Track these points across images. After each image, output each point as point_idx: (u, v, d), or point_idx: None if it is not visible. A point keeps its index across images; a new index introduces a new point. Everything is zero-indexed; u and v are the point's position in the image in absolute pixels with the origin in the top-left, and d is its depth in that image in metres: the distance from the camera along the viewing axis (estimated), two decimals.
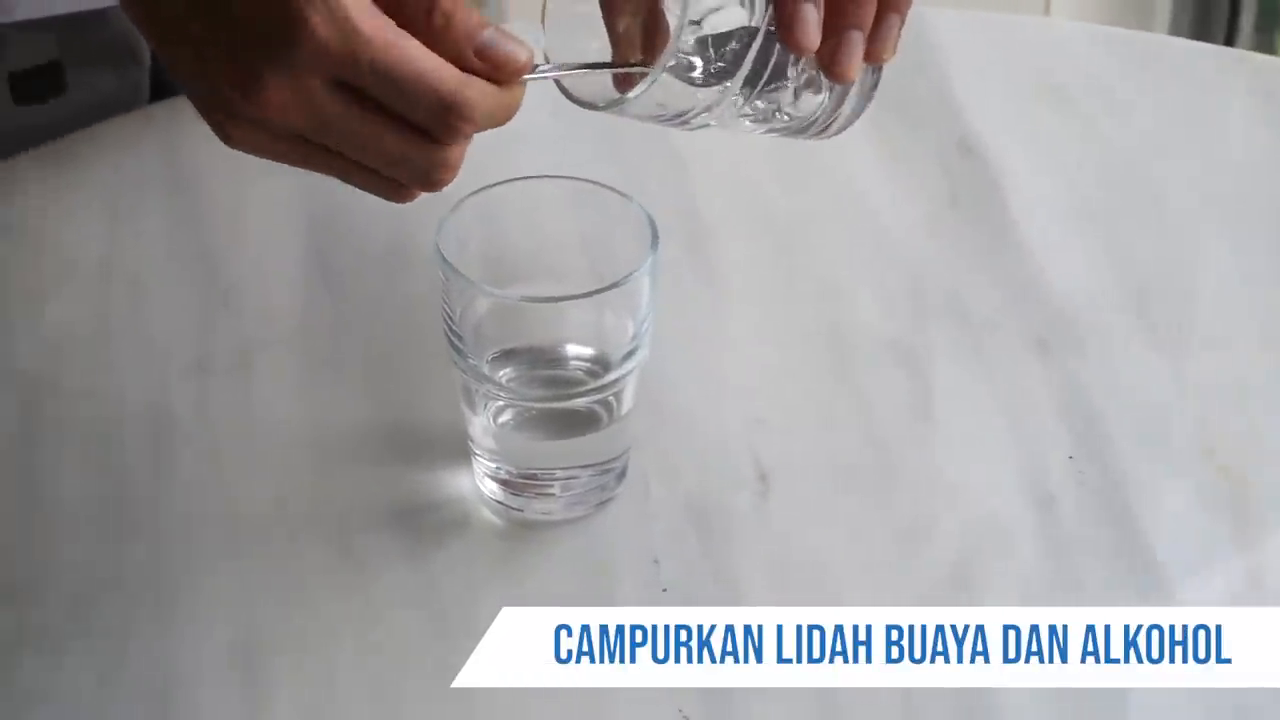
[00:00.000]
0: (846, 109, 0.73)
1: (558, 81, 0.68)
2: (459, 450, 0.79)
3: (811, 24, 0.68)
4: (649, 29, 0.73)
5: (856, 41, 0.70)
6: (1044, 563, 0.76)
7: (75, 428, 0.81)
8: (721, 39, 0.69)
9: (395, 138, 0.64)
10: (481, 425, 0.76)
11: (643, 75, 0.66)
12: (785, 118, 0.71)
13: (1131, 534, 0.77)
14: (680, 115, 0.69)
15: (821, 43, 0.69)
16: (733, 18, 0.69)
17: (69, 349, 0.85)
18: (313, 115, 0.63)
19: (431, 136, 0.64)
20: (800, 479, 0.79)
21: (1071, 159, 0.97)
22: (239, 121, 0.64)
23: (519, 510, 0.77)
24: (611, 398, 0.75)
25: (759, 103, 0.70)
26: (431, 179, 0.66)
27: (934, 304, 0.88)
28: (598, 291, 0.72)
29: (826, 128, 0.73)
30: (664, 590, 0.75)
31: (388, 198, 0.67)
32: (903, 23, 0.71)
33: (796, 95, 0.71)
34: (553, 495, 0.77)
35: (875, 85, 0.74)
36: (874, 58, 0.71)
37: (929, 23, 1.02)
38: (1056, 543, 0.77)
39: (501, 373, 0.75)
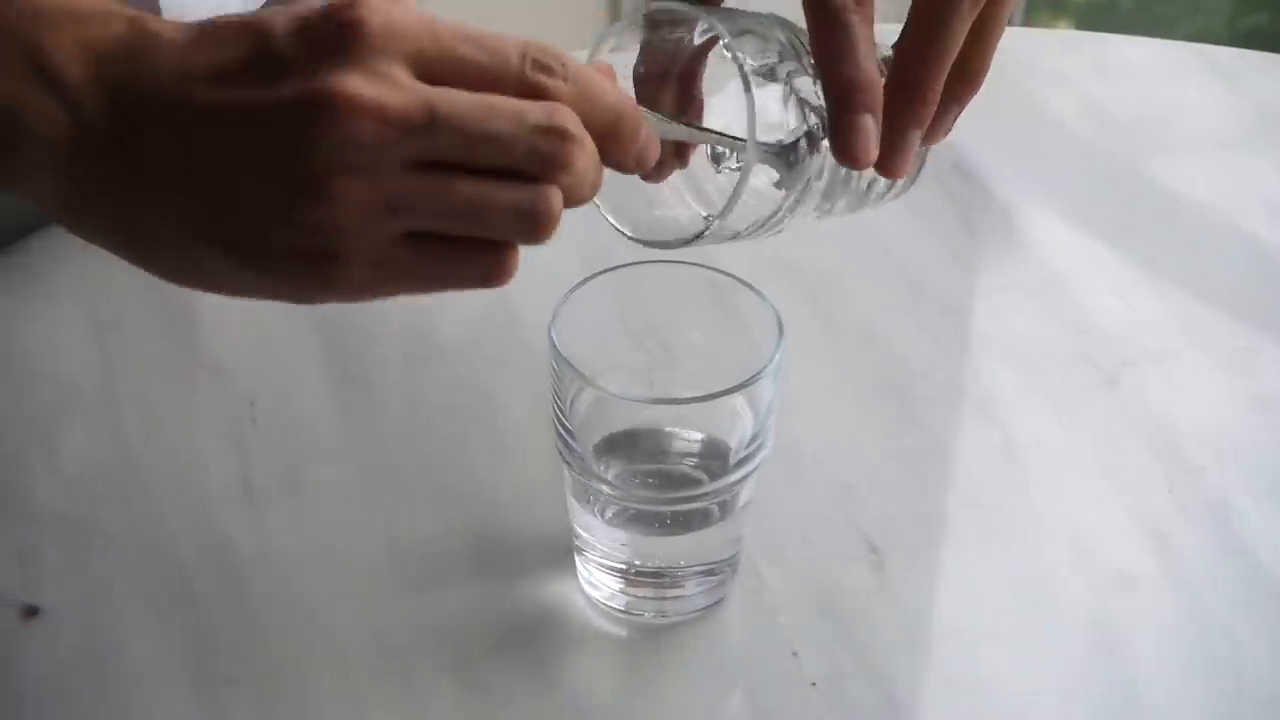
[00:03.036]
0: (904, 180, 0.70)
1: (617, 226, 0.64)
2: (552, 551, 0.75)
3: (869, 138, 0.62)
4: (681, 104, 0.69)
5: (914, 140, 0.65)
6: (1180, 607, 0.74)
7: (132, 576, 0.74)
8: (780, 152, 0.65)
9: (493, 186, 0.56)
10: (594, 522, 0.72)
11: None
12: (844, 204, 0.68)
13: (1255, 565, 0.76)
14: (759, 227, 0.65)
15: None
16: (772, 114, 0.65)
17: (99, 486, 0.78)
18: (395, 199, 0.55)
19: (530, 174, 0.56)
20: (909, 544, 0.77)
21: (1062, 168, 0.96)
22: (330, 259, 0.56)
23: (638, 615, 0.73)
24: (731, 494, 0.71)
25: (828, 203, 0.67)
26: (540, 222, 0.56)
27: (984, 342, 0.86)
28: (726, 393, 0.68)
29: (881, 198, 0.71)
30: (813, 685, 0.71)
31: (488, 278, 0.58)
32: (961, 110, 0.68)
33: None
34: (674, 594, 0.73)
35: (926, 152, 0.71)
36: (927, 141, 0.67)
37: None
38: (1187, 585, 0.75)
39: (612, 468, 0.71)
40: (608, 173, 0.59)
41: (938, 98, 0.65)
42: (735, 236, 0.65)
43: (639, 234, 0.64)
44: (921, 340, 0.86)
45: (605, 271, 0.70)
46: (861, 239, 0.91)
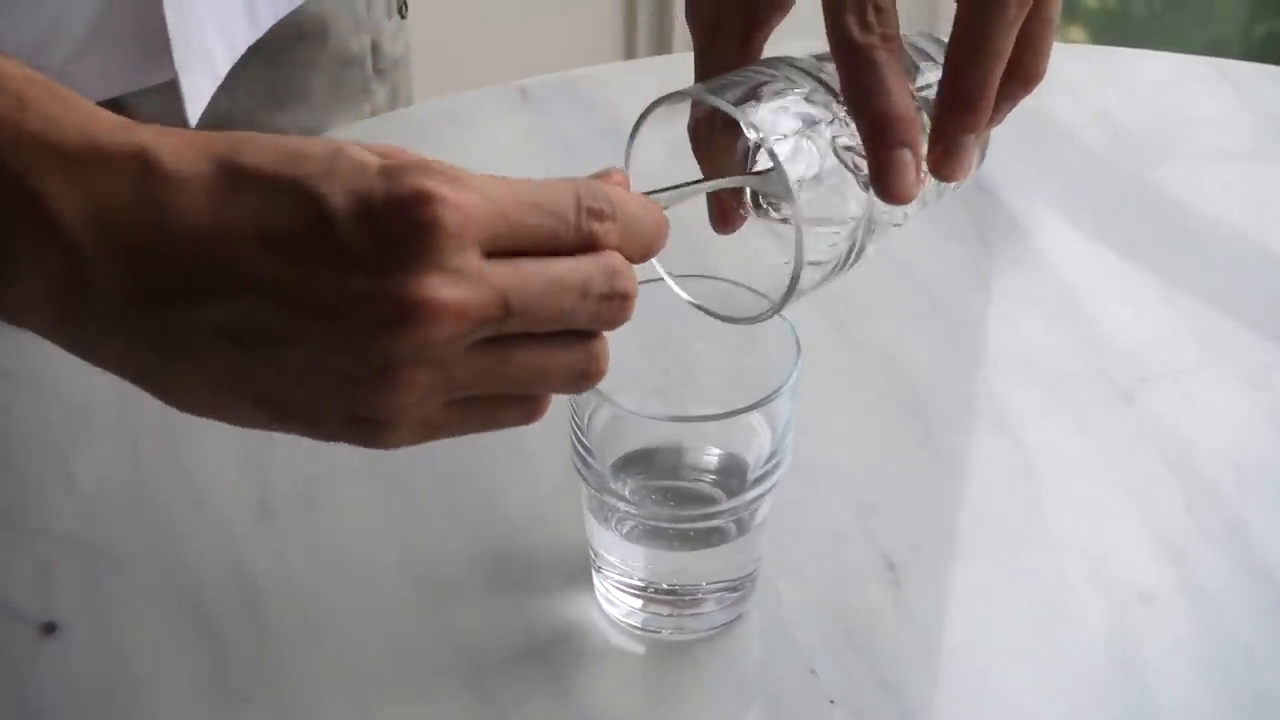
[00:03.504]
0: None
1: (701, 307, 0.64)
2: (569, 567, 0.75)
3: (909, 173, 0.60)
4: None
5: (970, 144, 0.64)
6: (1196, 624, 0.74)
7: (152, 597, 0.74)
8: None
9: (547, 351, 0.56)
10: (611, 539, 0.72)
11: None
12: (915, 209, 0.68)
13: (1272, 582, 0.76)
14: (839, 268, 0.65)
15: (930, 147, 0.64)
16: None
17: (116, 505, 0.78)
18: (457, 379, 0.55)
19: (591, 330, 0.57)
20: (927, 561, 0.77)
21: (1076, 181, 0.96)
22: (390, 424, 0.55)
23: (656, 632, 0.73)
24: (748, 512, 0.71)
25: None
26: (591, 380, 0.57)
27: (1000, 358, 0.86)
28: (743, 411, 0.68)
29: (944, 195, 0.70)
30: (831, 702, 0.71)
31: (523, 421, 0.58)
32: (1015, 106, 0.67)
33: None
34: (691, 611, 0.73)
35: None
36: (985, 129, 0.66)
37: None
38: (1204, 602, 0.75)
39: (630, 485, 0.71)
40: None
41: (990, 105, 0.63)
42: (821, 283, 0.65)
43: (723, 310, 0.64)
44: (938, 356, 0.86)
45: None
46: (877, 254, 0.90)
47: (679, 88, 0.62)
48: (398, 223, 0.52)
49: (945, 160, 0.64)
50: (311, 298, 0.52)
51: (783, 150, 0.60)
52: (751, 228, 0.68)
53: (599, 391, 0.67)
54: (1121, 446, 0.81)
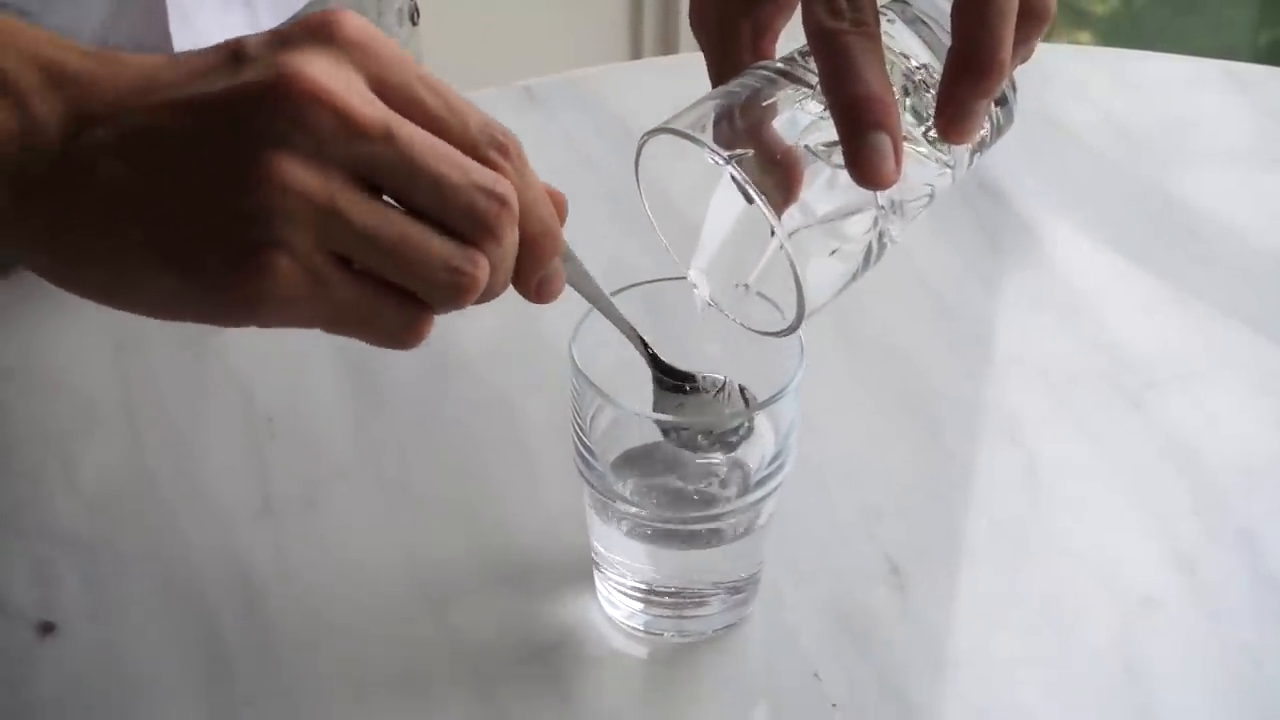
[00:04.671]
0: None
1: (733, 317, 0.65)
2: (572, 568, 0.74)
3: (884, 156, 0.59)
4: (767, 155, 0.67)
5: (983, 108, 0.62)
6: (1204, 631, 0.74)
7: (151, 593, 0.74)
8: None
9: (427, 232, 0.56)
10: (613, 540, 0.71)
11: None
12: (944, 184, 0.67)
13: None
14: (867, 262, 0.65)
15: (938, 111, 0.63)
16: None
17: (117, 503, 0.78)
18: (333, 207, 0.54)
19: (463, 234, 0.56)
20: (932, 565, 0.76)
21: (1084, 184, 0.95)
22: (261, 243, 0.54)
23: (658, 634, 0.73)
24: (752, 513, 0.71)
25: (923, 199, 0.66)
26: (464, 283, 0.56)
27: (1008, 362, 0.85)
28: (747, 412, 0.68)
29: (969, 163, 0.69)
30: (834, 706, 0.71)
31: (400, 334, 0.58)
32: (1034, 46, 0.65)
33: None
34: (694, 613, 0.73)
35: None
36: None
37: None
38: (1212, 609, 0.74)
39: (632, 486, 0.71)
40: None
41: (1005, 67, 0.61)
42: (852, 279, 0.64)
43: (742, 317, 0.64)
44: (944, 359, 0.85)
45: (627, 288, 0.69)
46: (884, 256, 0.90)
47: (660, 125, 0.62)
48: (297, 30, 0.54)
49: (955, 123, 0.62)
50: (205, 104, 0.54)
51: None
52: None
53: (601, 392, 0.67)
54: (1129, 451, 0.81)
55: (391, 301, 0.57)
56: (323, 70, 0.53)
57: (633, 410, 0.67)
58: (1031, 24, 0.62)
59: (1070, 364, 0.85)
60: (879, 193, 0.62)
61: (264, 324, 0.56)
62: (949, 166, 0.65)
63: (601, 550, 0.72)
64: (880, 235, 0.63)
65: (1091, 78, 1.03)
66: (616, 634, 0.73)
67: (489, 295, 0.58)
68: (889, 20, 0.65)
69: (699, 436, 0.68)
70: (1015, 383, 0.84)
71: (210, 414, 0.82)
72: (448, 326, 0.84)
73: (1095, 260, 0.91)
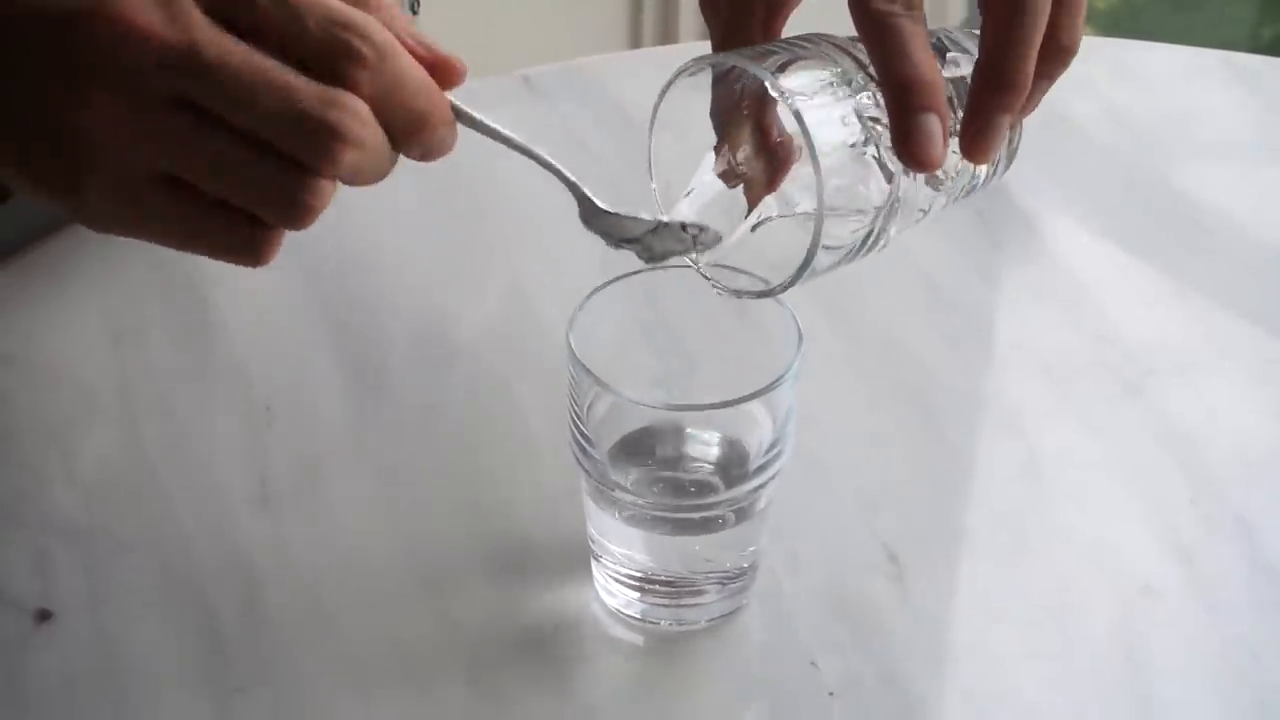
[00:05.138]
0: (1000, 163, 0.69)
1: (709, 279, 0.64)
2: (569, 557, 0.74)
3: (933, 139, 0.59)
4: (763, 147, 0.67)
5: (1004, 126, 0.63)
6: (1202, 621, 0.74)
7: (148, 581, 0.74)
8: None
9: (251, 152, 0.55)
10: (611, 528, 0.71)
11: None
12: (942, 203, 0.67)
13: (1278, 578, 0.75)
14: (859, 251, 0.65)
15: (963, 127, 0.63)
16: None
17: (115, 492, 0.77)
18: (149, 130, 0.55)
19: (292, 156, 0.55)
20: (930, 554, 0.76)
21: (1084, 175, 0.95)
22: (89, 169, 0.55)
23: (655, 622, 0.73)
24: (749, 501, 0.71)
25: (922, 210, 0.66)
26: (293, 208, 0.55)
27: (1006, 351, 0.85)
28: (744, 399, 0.67)
29: (976, 189, 0.69)
30: (831, 694, 0.70)
31: (240, 252, 0.57)
32: (1052, 85, 0.66)
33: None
34: (691, 601, 0.72)
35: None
36: (1020, 116, 0.66)
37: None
38: (1210, 598, 0.74)
39: (629, 474, 0.70)
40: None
41: (1029, 81, 0.62)
42: (835, 266, 0.64)
43: (732, 287, 0.63)
44: (943, 348, 0.85)
45: (624, 276, 0.69)
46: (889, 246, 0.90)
47: (708, 55, 0.62)
48: None
49: (978, 140, 0.62)
50: (33, 21, 0.55)
51: (811, 118, 0.59)
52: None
53: (598, 380, 0.67)
54: (1128, 441, 0.81)
55: (227, 220, 0.56)
56: (135, 5, 0.54)
57: (630, 398, 0.67)
58: (1056, 63, 0.63)
59: (1070, 355, 0.85)
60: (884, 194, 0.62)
61: (104, 231, 0.58)
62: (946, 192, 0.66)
63: (599, 538, 0.72)
64: (871, 232, 0.63)
65: (1092, 68, 1.03)
66: (613, 622, 0.73)
67: (365, 181, 0.57)
68: None
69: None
70: (1015, 374, 0.84)
71: (208, 401, 0.82)
72: (446, 314, 0.84)
73: (1095, 251, 0.91)
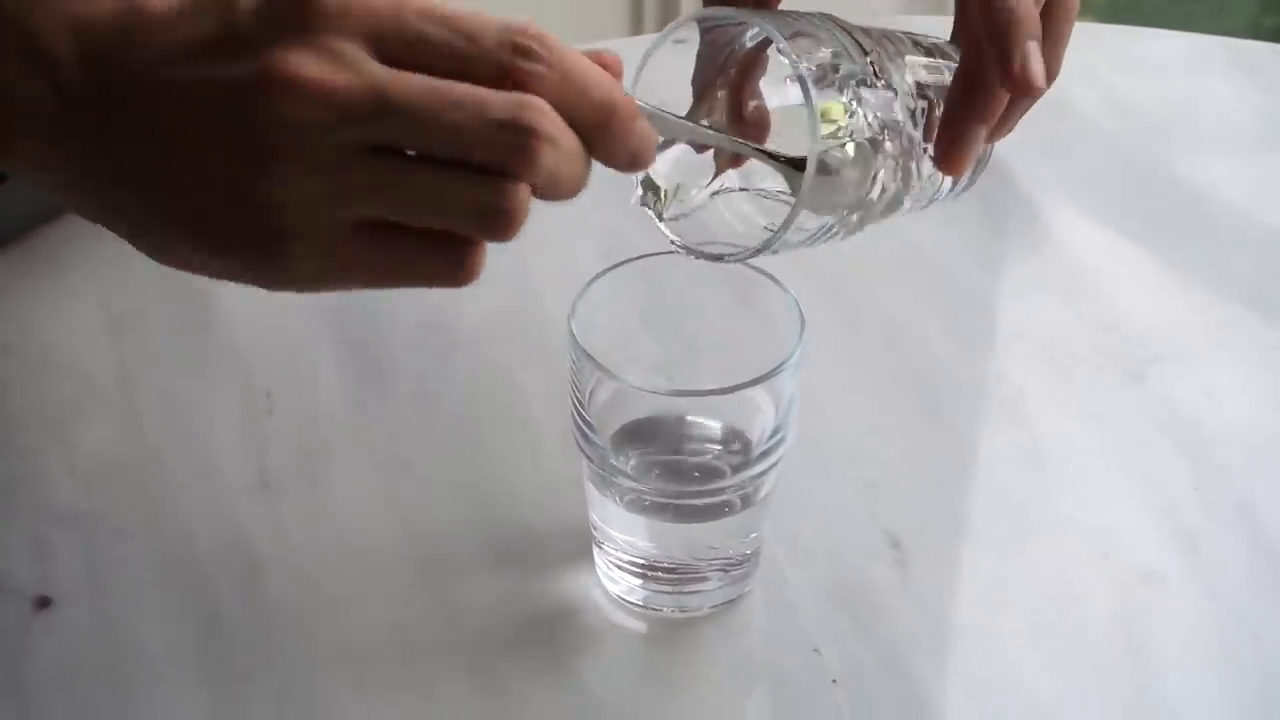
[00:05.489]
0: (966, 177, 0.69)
1: (680, 243, 0.63)
2: (570, 545, 0.74)
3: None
4: (737, 113, 0.67)
5: (979, 136, 0.64)
6: (1206, 607, 0.73)
7: (148, 570, 0.74)
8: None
9: (450, 176, 0.54)
10: (613, 515, 0.71)
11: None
12: (909, 204, 0.67)
13: None
14: (822, 231, 0.64)
15: (939, 136, 0.64)
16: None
17: (115, 479, 0.77)
18: (342, 185, 0.53)
19: (492, 169, 0.54)
20: (933, 541, 0.76)
21: (1086, 164, 0.95)
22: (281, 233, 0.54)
23: (657, 610, 0.72)
24: (751, 487, 0.70)
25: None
26: (500, 219, 0.54)
27: (1009, 339, 0.85)
28: (746, 385, 0.67)
29: (940, 199, 0.69)
30: (834, 681, 0.70)
31: (450, 276, 0.56)
32: (1030, 106, 0.66)
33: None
34: (693, 588, 0.72)
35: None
36: (991, 138, 0.66)
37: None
38: (1213, 584, 0.74)
39: (631, 460, 0.70)
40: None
41: (1005, 96, 0.63)
42: (806, 242, 0.64)
43: (692, 244, 0.63)
44: (946, 335, 0.85)
45: (626, 262, 0.69)
46: (885, 233, 0.89)
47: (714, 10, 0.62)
48: (284, 3, 0.53)
49: (953, 149, 0.63)
50: (208, 95, 0.53)
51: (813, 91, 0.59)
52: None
53: (600, 365, 0.66)
54: (1130, 428, 0.81)
55: (432, 248, 0.55)
56: (306, 63, 0.52)
57: (632, 384, 0.67)
58: (1061, 19, 0.64)
59: (1070, 340, 0.85)
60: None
61: (306, 292, 0.56)
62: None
63: (601, 525, 0.72)
64: (832, 225, 0.63)
65: (1093, 57, 1.03)
66: (615, 609, 0.73)
67: (562, 196, 0.56)
68: (906, 47, 0.65)
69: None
70: (1017, 360, 0.84)
71: (208, 389, 0.82)
72: (447, 303, 0.84)
73: (1097, 238, 0.91)
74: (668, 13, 1.79)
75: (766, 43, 0.65)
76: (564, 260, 0.84)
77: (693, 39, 0.63)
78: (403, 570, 0.74)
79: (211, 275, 0.57)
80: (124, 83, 0.54)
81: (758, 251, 0.61)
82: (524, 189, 0.54)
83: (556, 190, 0.55)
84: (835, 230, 0.64)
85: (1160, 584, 0.74)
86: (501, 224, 0.54)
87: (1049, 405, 0.82)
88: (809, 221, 0.62)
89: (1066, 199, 0.93)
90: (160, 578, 0.73)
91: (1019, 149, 0.94)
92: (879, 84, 0.62)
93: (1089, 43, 1.04)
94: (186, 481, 0.77)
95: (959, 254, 0.89)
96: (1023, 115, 0.66)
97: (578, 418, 0.69)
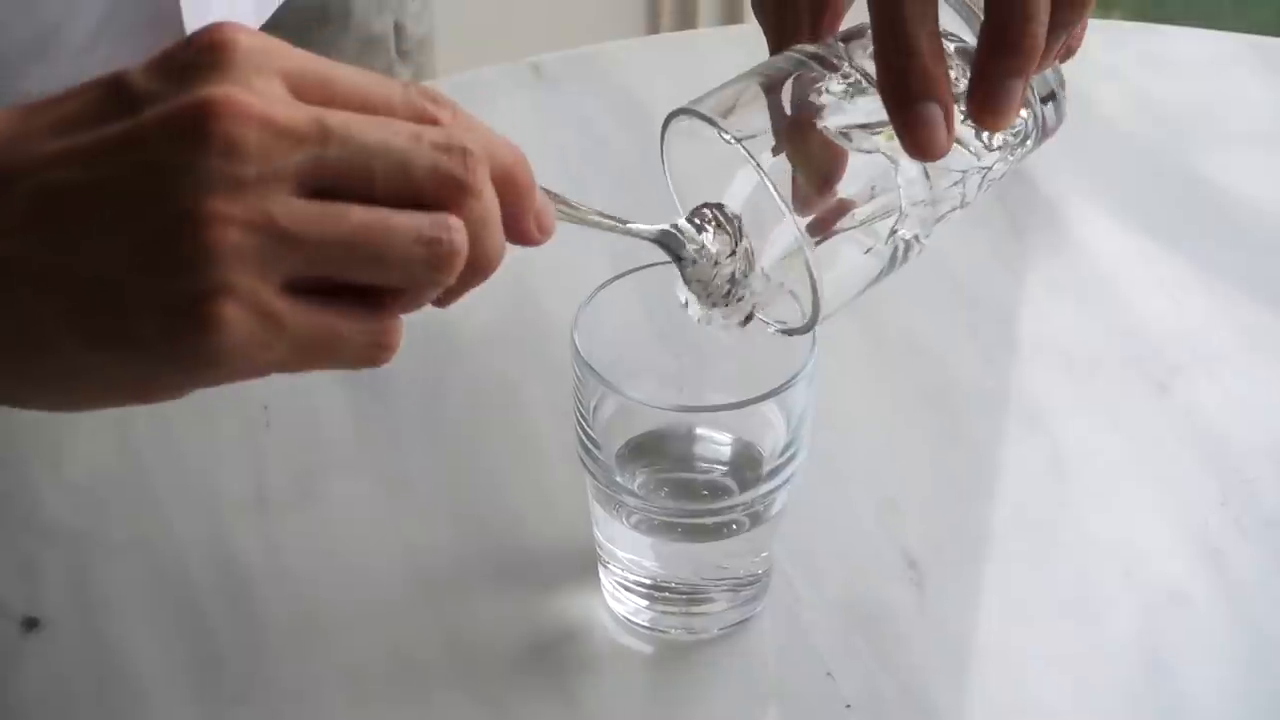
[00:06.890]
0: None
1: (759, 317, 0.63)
2: (575, 563, 0.72)
3: (936, 129, 0.58)
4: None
5: (1015, 89, 0.60)
6: (1233, 626, 0.71)
7: (140, 588, 0.72)
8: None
9: (390, 212, 0.50)
10: (618, 533, 0.69)
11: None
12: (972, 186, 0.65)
13: None
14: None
15: (971, 93, 0.61)
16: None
17: (105, 496, 0.75)
18: (281, 229, 0.48)
19: (433, 201, 0.51)
20: (951, 560, 0.74)
21: (1110, 164, 0.93)
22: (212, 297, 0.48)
23: (664, 631, 0.70)
24: (762, 505, 0.68)
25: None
26: (444, 251, 0.50)
27: (1030, 347, 0.83)
28: (756, 400, 0.65)
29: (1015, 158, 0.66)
30: (848, 707, 0.68)
31: (370, 346, 0.52)
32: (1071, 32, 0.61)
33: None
34: (701, 609, 0.70)
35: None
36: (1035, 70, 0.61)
37: None
38: (1241, 602, 0.72)
39: (637, 477, 0.68)
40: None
41: (1041, 43, 0.59)
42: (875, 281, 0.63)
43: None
44: (965, 345, 0.83)
45: (631, 271, 0.67)
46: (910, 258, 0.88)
47: (684, 105, 0.60)
48: (187, 55, 0.49)
49: (986, 105, 0.59)
50: (101, 156, 0.48)
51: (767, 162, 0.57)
52: None
53: (604, 380, 0.64)
54: (1155, 440, 0.78)
55: (354, 319, 0.52)
56: (233, 89, 0.48)
57: (637, 399, 0.65)
58: (1071, 10, 0.60)
59: (1095, 349, 0.82)
60: (904, 191, 0.59)
61: (215, 384, 0.51)
62: (985, 166, 0.63)
63: (606, 544, 0.70)
64: (905, 237, 0.61)
65: (1117, 55, 1.00)
66: (621, 630, 0.71)
67: (488, 264, 0.53)
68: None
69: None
70: (1037, 368, 0.82)
71: (202, 402, 0.79)
72: (448, 313, 0.82)
73: (1121, 242, 0.88)
74: (685, 11, 1.77)
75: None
76: (569, 268, 0.81)
77: (699, 129, 0.61)
78: (403, 590, 0.72)
79: (96, 399, 0.52)
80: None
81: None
82: (459, 223, 0.51)
83: (485, 253, 0.52)
84: (898, 257, 0.62)
85: (1186, 604, 0.72)
86: (441, 255, 0.50)
87: (1071, 416, 0.79)
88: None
89: (1090, 201, 0.91)
90: (152, 598, 0.72)
91: (1043, 149, 0.92)
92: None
93: (1114, 41, 1.02)
94: (180, 498, 0.76)
95: (978, 258, 0.87)
96: (1068, 39, 0.61)
97: (581, 433, 0.67)
